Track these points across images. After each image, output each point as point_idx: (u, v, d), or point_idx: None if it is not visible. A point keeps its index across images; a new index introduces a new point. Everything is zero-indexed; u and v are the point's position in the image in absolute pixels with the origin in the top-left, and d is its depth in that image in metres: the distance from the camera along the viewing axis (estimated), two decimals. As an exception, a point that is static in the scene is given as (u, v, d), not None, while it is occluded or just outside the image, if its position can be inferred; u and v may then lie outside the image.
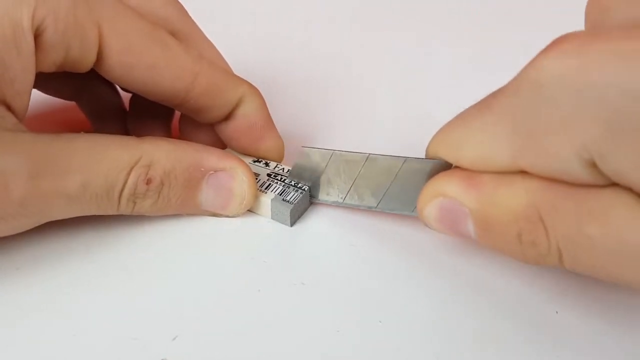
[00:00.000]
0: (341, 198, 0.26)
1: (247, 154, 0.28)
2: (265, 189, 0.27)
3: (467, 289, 0.24)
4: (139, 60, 0.24)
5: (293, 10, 0.44)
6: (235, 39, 0.39)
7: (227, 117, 0.27)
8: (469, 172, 0.21)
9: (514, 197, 0.19)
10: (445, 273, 0.25)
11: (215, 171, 0.25)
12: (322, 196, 0.27)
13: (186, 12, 0.28)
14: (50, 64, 0.23)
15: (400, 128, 0.33)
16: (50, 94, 0.30)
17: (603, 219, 0.17)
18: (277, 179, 0.27)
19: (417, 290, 0.24)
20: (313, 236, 0.26)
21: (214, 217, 0.27)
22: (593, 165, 0.17)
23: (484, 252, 0.25)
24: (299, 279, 0.24)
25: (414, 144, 0.31)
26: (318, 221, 0.27)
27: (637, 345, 0.22)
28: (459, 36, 0.41)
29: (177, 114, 0.29)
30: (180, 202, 0.25)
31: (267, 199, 0.26)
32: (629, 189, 0.17)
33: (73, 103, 0.31)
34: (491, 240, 0.21)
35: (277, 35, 0.41)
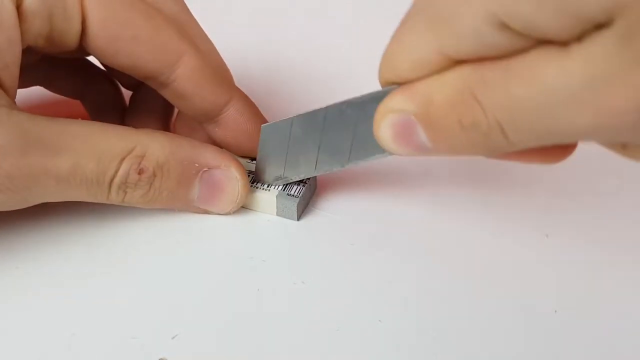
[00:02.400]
0: (313, 167, 0.25)
1: (243, 156, 0.28)
2: (267, 186, 0.27)
3: (466, 288, 0.24)
4: (121, 30, 0.24)
5: (293, 10, 0.44)
6: (235, 38, 0.39)
7: (217, 120, 0.27)
8: (408, 84, 0.21)
9: (447, 85, 0.19)
10: (444, 272, 0.25)
11: (209, 168, 0.25)
12: (293, 173, 0.26)
13: (183, 2, 0.28)
14: (36, 34, 0.23)
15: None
16: (55, 92, 0.30)
17: (529, 76, 0.18)
18: None
19: (417, 289, 0.24)
20: (313, 235, 0.26)
21: (213, 217, 0.27)
22: (505, 26, 0.17)
23: (484, 252, 0.25)
24: (298, 278, 0.24)
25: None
26: (318, 220, 0.27)
27: (636, 344, 0.22)
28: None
29: (175, 114, 0.29)
30: (171, 195, 0.25)
31: (271, 196, 0.26)
32: (549, 42, 0.17)
33: (78, 104, 0.31)
34: (441, 138, 0.20)
35: (276, 35, 0.41)
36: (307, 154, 0.25)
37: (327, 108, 0.24)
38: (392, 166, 0.29)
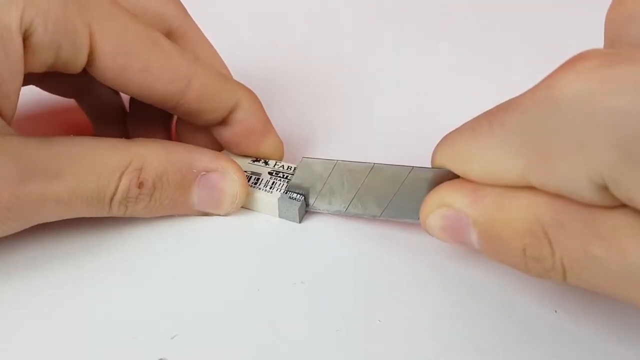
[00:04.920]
0: (344, 207, 0.26)
1: (245, 156, 0.28)
2: (270, 188, 0.27)
3: (466, 288, 0.24)
4: (131, 63, 0.24)
5: (293, 11, 0.44)
6: (235, 39, 0.39)
7: (224, 121, 0.27)
8: (474, 184, 0.21)
9: (520, 212, 0.19)
10: (444, 273, 0.25)
11: (207, 172, 0.25)
12: (323, 206, 0.26)
13: (185, 10, 0.28)
14: (40, 64, 0.23)
15: (400, 129, 0.33)
16: (48, 91, 0.30)
17: (610, 241, 0.17)
18: (279, 177, 0.27)
19: (417, 289, 0.24)
20: (313, 235, 0.26)
21: (212, 217, 0.27)
22: (605, 188, 0.17)
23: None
24: (298, 278, 0.24)
25: (414, 145, 0.31)
26: (318, 221, 0.27)
27: (637, 344, 0.22)
28: (459, 37, 0.41)
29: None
30: (172, 203, 0.25)
31: (273, 199, 0.26)
32: (637, 211, 0.17)
33: (74, 104, 0.31)
34: (495, 252, 0.21)
35: (276, 36, 0.41)
36: (342, 196, 0.26)
37: (375, 163, 0.24)
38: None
